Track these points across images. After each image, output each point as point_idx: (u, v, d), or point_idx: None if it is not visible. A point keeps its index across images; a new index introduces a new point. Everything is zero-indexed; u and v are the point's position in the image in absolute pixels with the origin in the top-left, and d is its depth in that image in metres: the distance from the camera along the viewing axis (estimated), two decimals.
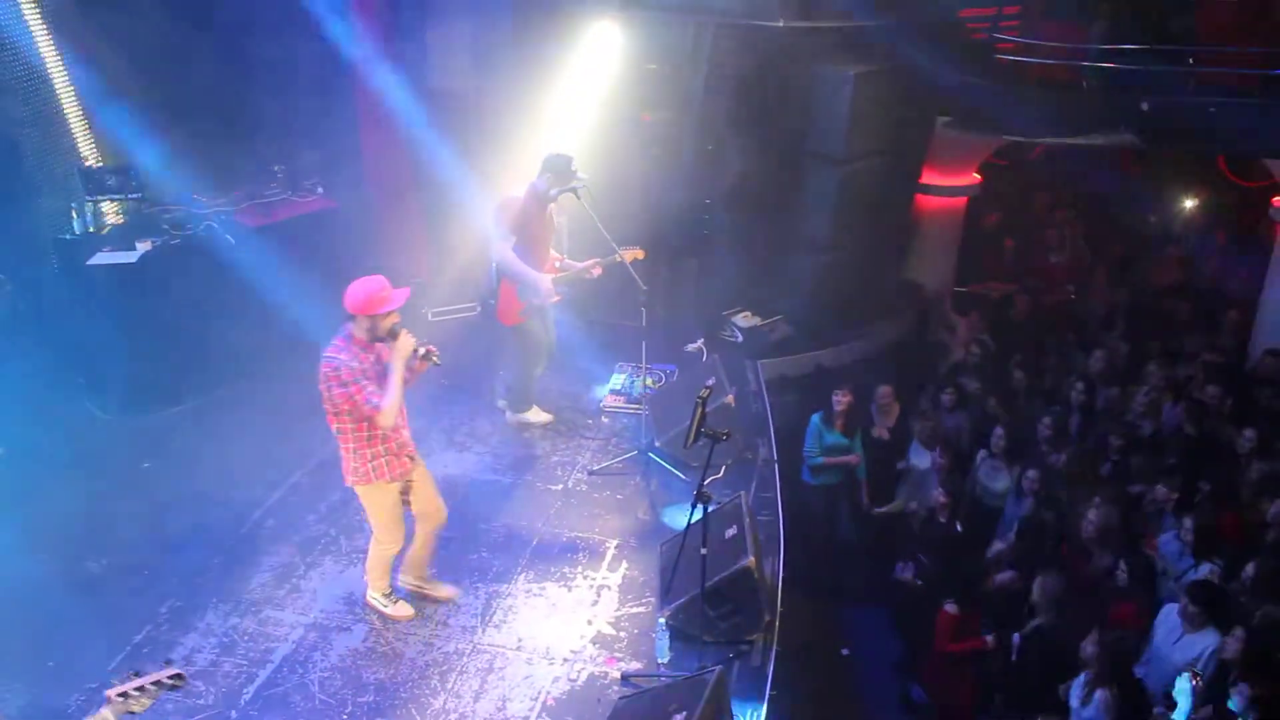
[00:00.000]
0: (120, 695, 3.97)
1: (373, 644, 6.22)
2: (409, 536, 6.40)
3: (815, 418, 9.15)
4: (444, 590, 6.64)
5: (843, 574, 9.49)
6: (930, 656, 8.00)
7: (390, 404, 5.73)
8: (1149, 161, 14.21)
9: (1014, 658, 7.40)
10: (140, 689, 3.99)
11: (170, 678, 4.04)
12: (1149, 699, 6.63)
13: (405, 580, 6.57)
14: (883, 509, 9.42)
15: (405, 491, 6.20)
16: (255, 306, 8.78)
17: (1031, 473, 8.32)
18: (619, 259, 7.87)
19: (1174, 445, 8.76)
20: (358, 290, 5.70)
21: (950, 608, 7.74)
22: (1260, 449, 8.46)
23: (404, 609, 6.46)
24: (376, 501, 6.11)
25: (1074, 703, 6.61)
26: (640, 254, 8.12)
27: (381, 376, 5.80)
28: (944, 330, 11.64)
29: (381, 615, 6.43)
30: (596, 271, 8.14)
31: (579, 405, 9.07)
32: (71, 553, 6.88)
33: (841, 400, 9.01)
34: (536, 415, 8.76)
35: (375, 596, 6.46)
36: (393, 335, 5.79)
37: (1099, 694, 6.44)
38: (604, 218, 7.80)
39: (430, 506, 6.33)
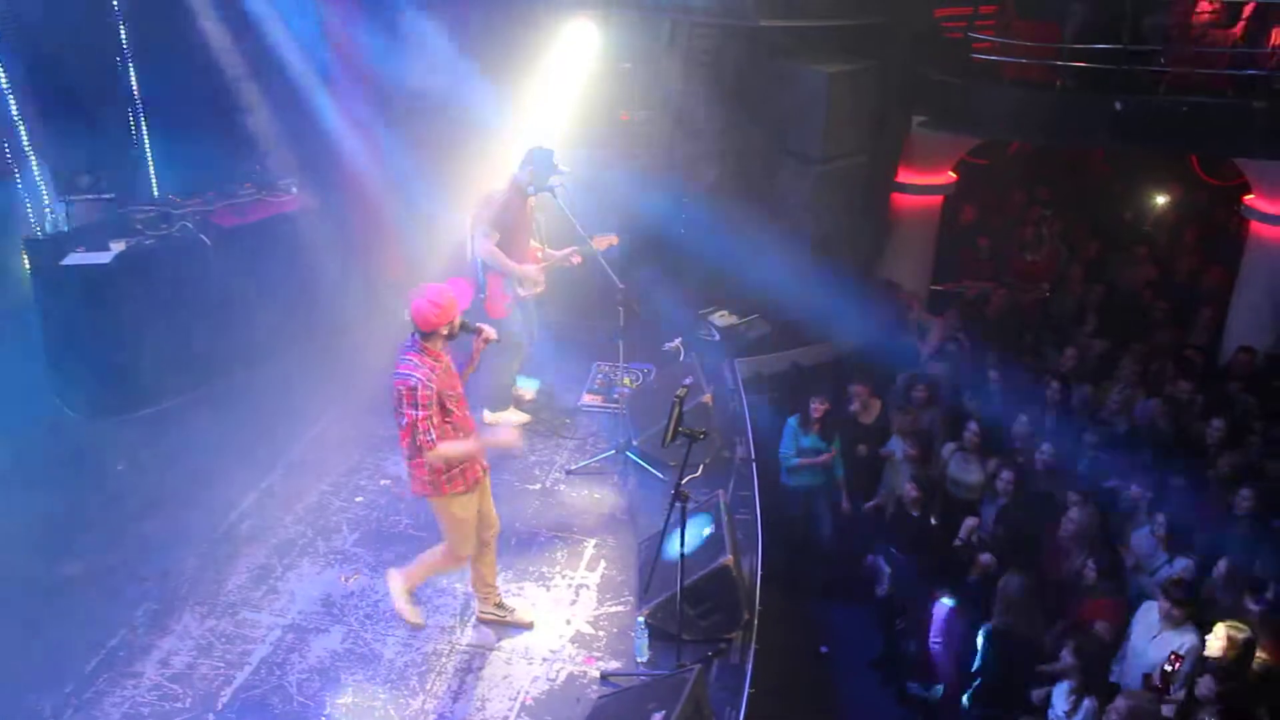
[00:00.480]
0: None
1: (351, 645, 6.20)
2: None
3: (791, 420, 9.17)
4: (524, 615, 6.47)
5: (821, 573, 9.52)
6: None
7: (448, 450, 5.63)
8: (1122, 160, 14.31)
9: (978, 655, 7.47)
10: None
11: None
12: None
13: (484, 612, 6.43)
14: (871, 503, 9.41)
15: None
16: (230, 307, 8.75)
17: (1006, 474, 8.36)
18: (594, 246, 7.91)
19: (1148, 442, 8.82)
20: (428, 308, 5.54)
21: (946, 599, 7.82)
22: (1229, 441, 8.54)
23: (417, 616, 6.30)
24: (452, 513, 5.92)
25: (1059, 711, 6.65)
26: (614, 240, 8.19)
27: (449, 380, 5.73)
28: (916, 329, 11.67)
29: (401, 617, 6.22)
30: (576, 260, 8.18)
31: (556, 404, 9.05)
32: (46, 556, 6.84)
33: (818, 408, 9.03)
34: (515, 415, 8.72)
35: (400, 598, 6.18)
36: (466, 330, 5.78)
37: (1086, 702, 6.49)
38: (581, 215, 7.81)
39: (486, 519, 6.21)
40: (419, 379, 5.48)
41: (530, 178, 7.82)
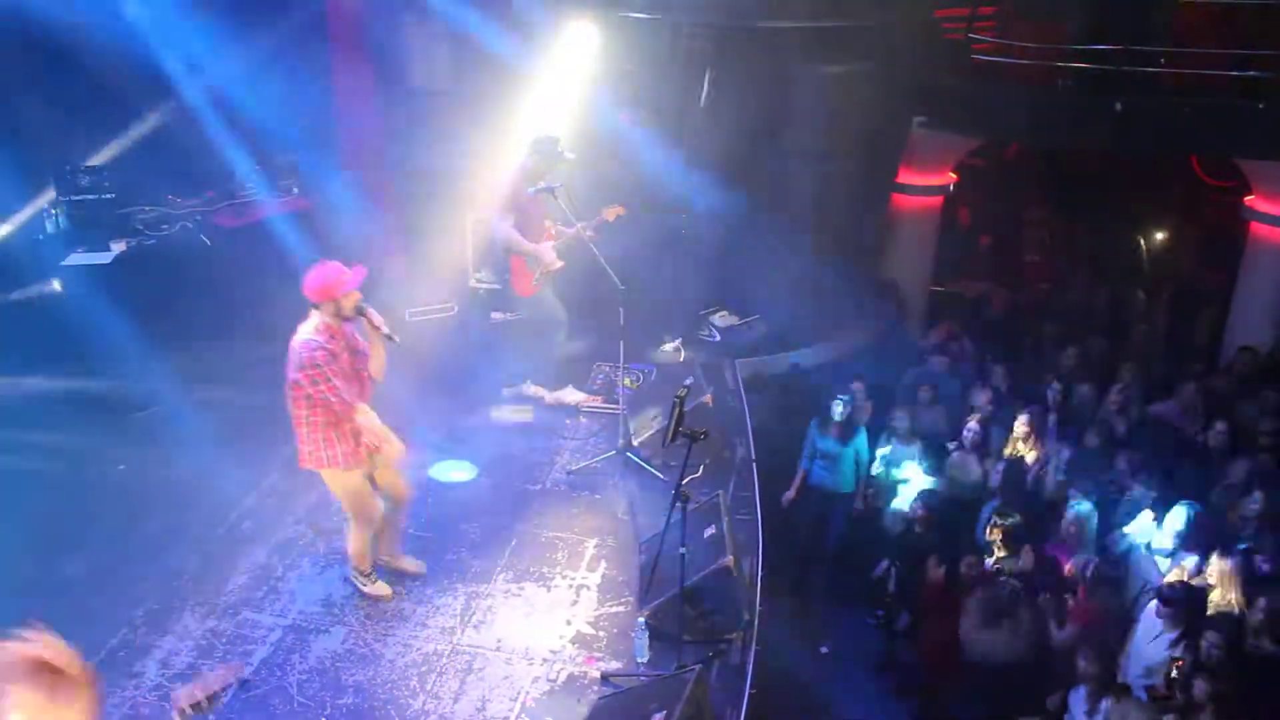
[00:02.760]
0: (192, 707, 4.02)
1: (351, 645, 6.19)
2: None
3: (814, 422, 9.15)
4: (410, 563, 6.79)
5: (828, 576, 9.52)
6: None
7: (363, 417, 6.00)
8: (1122, 161, 14.32)
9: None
10: (210, 697, 4.06)
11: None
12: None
13: (380, 557, 6.70)
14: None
15: (370, 471, 6.33)
16: (229, 307, 8.74)
17: (1000, 465, 8.37)
18: (604, 218, 8.35)
19: (1148, 443, 8.82)
20: (315, 278, 5.90)
21: (937, 571, 7.87)
22: (1232, 444, 8.55)
23: (382, 588, 6.56)
24: (341, 485, 6.23)
25: (1077, 715, 6.65)
26: (620, 210, 8.51)
27: (354, 356, 6.05)
28: (918, 333, 11.70)
29: (362, 594, 6.53)
30: (590, 234, 8.31)
31: (556, 405, 9.04)
32: (46, 555, 6.82)
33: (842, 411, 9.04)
34: (572, 395, 8.92)
35: (356, 575, 6.56)
36: (359, 312, 5.96)
37: (1104, 704, 6.48)
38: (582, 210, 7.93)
39: (394, 487, 6.49)
40: (312, 344, 5.84)
41: (535, 164, 8.07)
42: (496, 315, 8.98)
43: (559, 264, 8.47)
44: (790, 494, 9.24)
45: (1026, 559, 7.64)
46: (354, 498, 6.27)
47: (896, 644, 8.66)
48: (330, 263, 5.98)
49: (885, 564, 8.62)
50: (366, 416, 6.02)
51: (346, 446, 6.07)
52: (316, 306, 5.93)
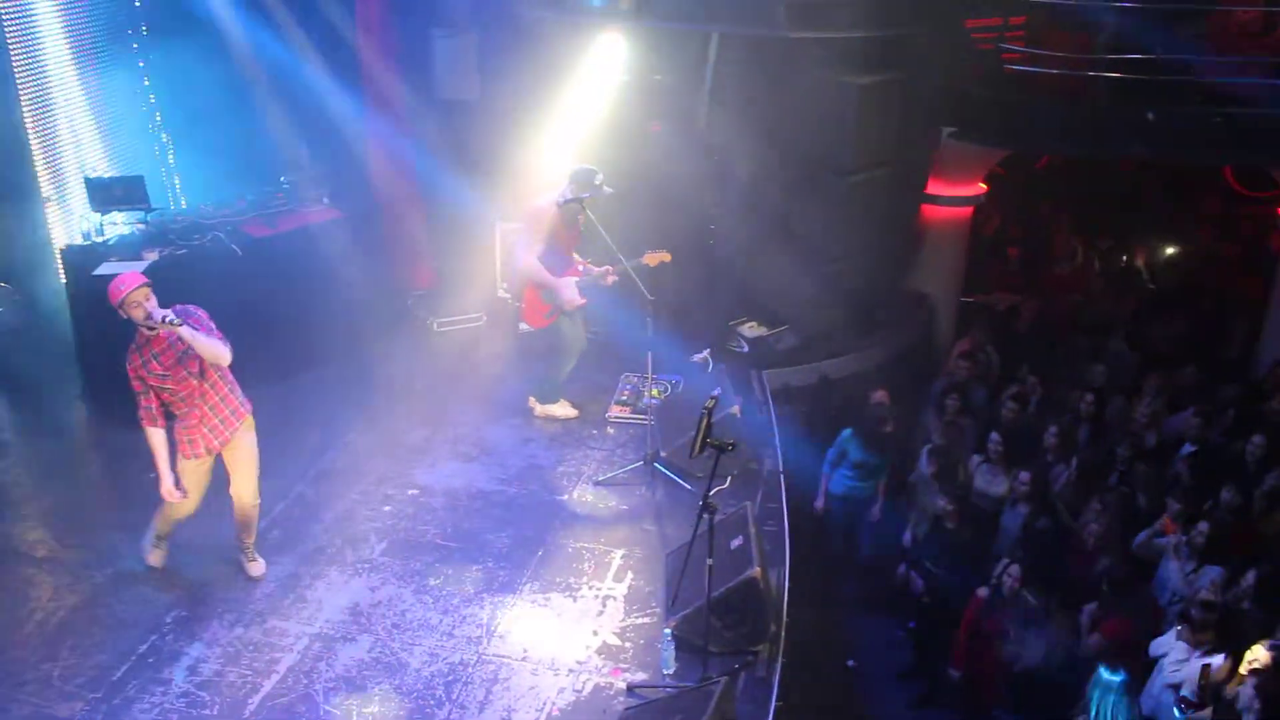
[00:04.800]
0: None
1: (378, 654, 6.20)
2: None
3: (847, 432, 9.13)
4: (254, 567, 6.90)
5: (858, 585, 9.49)
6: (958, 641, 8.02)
7: (149, 434, 6.30)
8: (1155, 170, 14.21)
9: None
10: None
11: None
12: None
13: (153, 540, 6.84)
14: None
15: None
16: (260, 317, 8.79)
17: (1024, 475, 8.32)
18: (646, 263, 8.20)
19: (1179, 456, 8.74)
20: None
21: (981, 591, 7.80)
22: (1268, 457, 8.45)
23: (156, 559, 6.82)
24: (181, 471, 6.47)
25: None
26: (666, 257, 8.37)
27: (181, 360, 6.21)
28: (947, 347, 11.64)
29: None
30: (611, 279, 8.34)
31: (584, 416, 9.04)
32: (77, 562, 6.89)
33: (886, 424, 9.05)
34: (563, 409, 8.87)
35: (148, 537, 6.82)
36: (148, 323, 6.06)
37: None
38: (612, 227, 7.87)
39: (239, 489, 6.71)
40: (128, 351, 6.16)
41: (573, 195, 7.96)
42: (524, 326, 8.97)
43: (581, 301, 8.34)
44: (820, 502, 9.23)
45: None
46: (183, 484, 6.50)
47: (927, 654, 8.60)
48: (127, 272, 6.25)
49: (905, 567, 8.57)
50: (151, 436, 6.29)
51: (183, 438, 6.39)
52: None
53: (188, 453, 6.41)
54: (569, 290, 8.24)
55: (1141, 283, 13.33)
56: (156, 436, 6.28)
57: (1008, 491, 8.63)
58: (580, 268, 8.39)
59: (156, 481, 6.39)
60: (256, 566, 6.88)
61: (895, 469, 9.42)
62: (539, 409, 8.87)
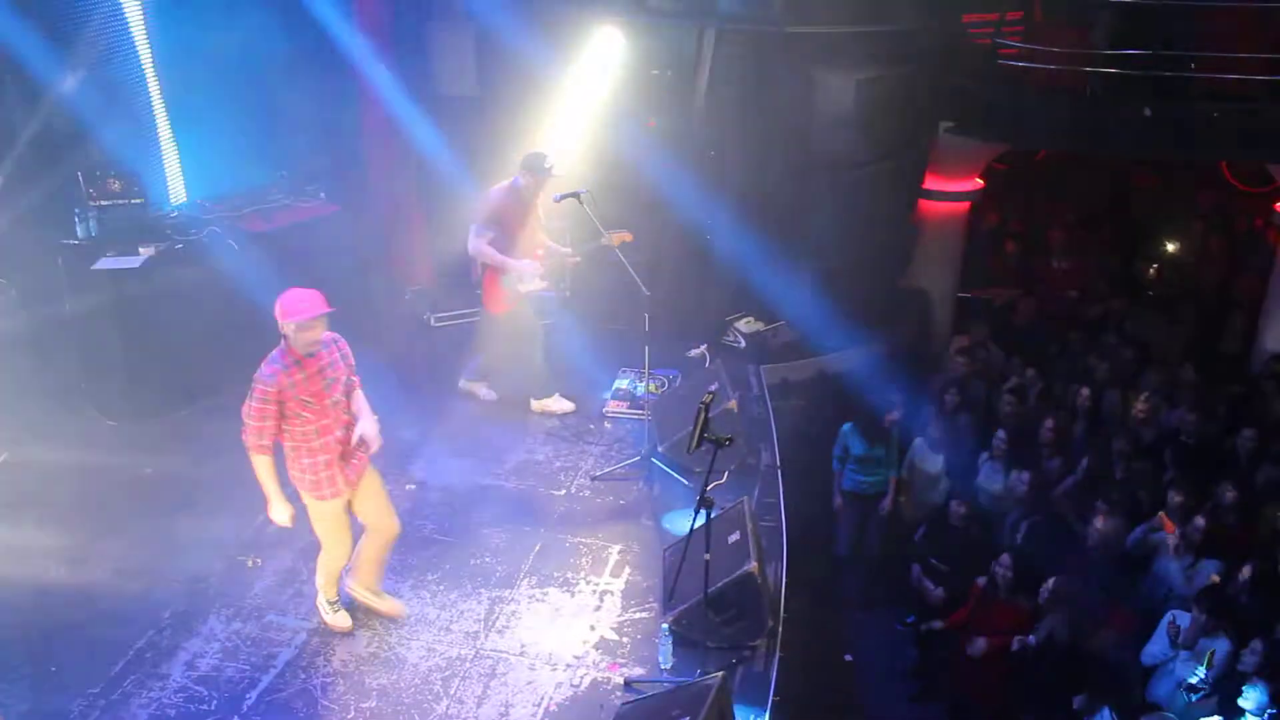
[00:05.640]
0: None
1: (375, 649, 6.21)
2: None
3: (846, 427, 9.15)
4: (390, 605, 6.47)
5: (863, 582, 9.51)
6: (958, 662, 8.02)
7: (251, 440, 5.77)
8: (1151, 166, 14.21)
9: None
10: None
11: None
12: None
13: (354, 588, 6.40)
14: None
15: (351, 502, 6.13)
16: (258, 311, 8.76)
17: (1024, 475, 8.34)
18: (605, 243, 8.09)
19: (1175, 451, 8.76)
20: (280, 298, 5.74)
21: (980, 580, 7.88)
22: (1260, 452, 8.48)
23: (343, 620, 6.34)
24: (317, 513, 6.05)
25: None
26: (628, 236, 8.29)
27: (336, 385, 5.87)
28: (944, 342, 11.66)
29: (323, 624, 6.35)
30: (573, 260, 8.42)
31: (582, 411, 9.05)
32: (74, 557, 6.88)
33: (890, 418, 9.10)
34: (559, 404, 8.86)
35: (321, 602, 6.37)
36: (314, 348, 5.77)
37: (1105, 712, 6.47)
38: (607, 221, 7.90)
39: (380, 520, 6.25)
40: (261, 370, 5.67)
41: (525, 180, 8.02)
42: (485, 313, 8.93)
43: (540, 284, 8.34)
44: (837, 499, 9.29)
45: None
46: (324, 525, 6.08)
47: (928, 648, 8.61)
48: (302, 289, 5.77)
49: (918, 570, 8.58)
50: (257, 466, 5.82)
51: (316, 476, 5.89)
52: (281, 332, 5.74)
53: (325, 493, 5.93)
54: (528, 271, 8.21)
55: (1139, 276, 13.33)
56: (265, 464, 5.79)
57: (1007, 487, 8.66)
58: (540, 251, 8.35)
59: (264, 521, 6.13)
60: (391, 602, 6.52)
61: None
62: (534, 404, 8.87)
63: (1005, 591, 7.74)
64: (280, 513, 5.93)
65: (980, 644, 7.65)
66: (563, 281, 9.99)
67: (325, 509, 6.01)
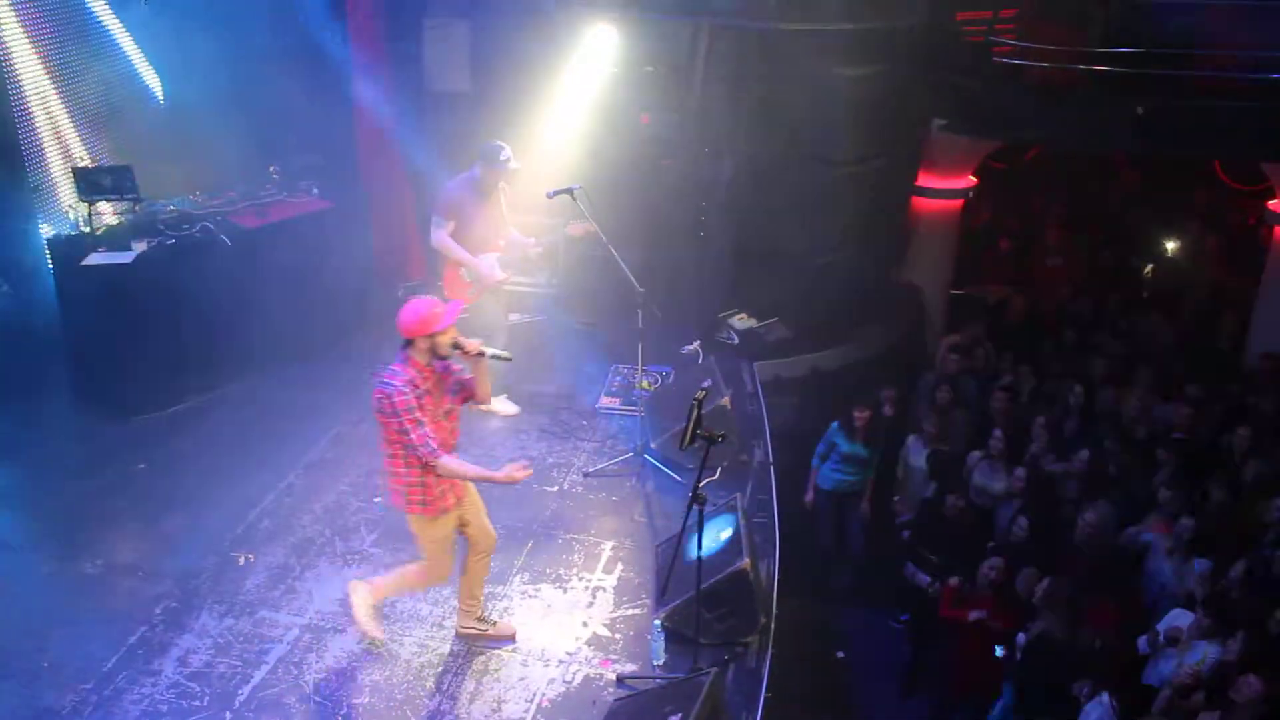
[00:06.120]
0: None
1: (368, 645, 6.20)
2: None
3: (834, 425, 9.17)
4: (503, 627, 6.33)
5: (849, 578, 9.52)
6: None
7: (456, 467, 5.62)
8: (1144, 164, 14.24)
9: (1019, 658, 7.43)
10: None
11: None
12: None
13: (466, 627, 6.26)
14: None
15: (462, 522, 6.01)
16: (250, 307, 8.77)
17: (1019, 471, 8.35)
18: (569, 234, 8.24)
19: (1168, 447, 8.78)
20: (410, 313, 5.55)
21: (953, 580, 7.90)
22: (1255, 449, 8.50)
23: (379, 631, 6.15)
24: (429, 532, 5.87)
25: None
26: (591, 228, 8.12)
27: (446, 395, 5.72)
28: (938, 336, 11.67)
29: (362, 631, 6.11)
30: (535, 250, 8.34)
31: (574, 407, 9.05)
32: (66, 553, 6.87)
33: (860, 416, 9.04)
34: (504, 406, 8.69)
35: (363, 611, 6.07)
36: (458, 349, 5.64)
37: (1103, 697, 6.47)
38: (601, 218, 7.87)
39: (484, 532, 6.13)
40: (394, 386, 5.47)
41: (481, 171, 7.97)
42: (514, 316, 8.96)
43: (501, 277, 8.27)
44: (809, 495, 9.29)
45: None
46: (435, 547, 5.91)
47: (920, 646, 8.63)
48: (423, 298, 5.64)
49: (911, 567, 8.60)
50: (454, 465, 5.63)
51: (432, 494, 5.73)
52: (409, 344, 5.60)
53: (436, 510, 5.75)
54: (486, 265, 8.16)
55: (1132, 272, 13.35)
56: (457, 460, 5.66)
57: (1007, 489, 8.66)
58: (502, 242, 8.30)
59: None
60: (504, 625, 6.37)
61: (885, 461, 9.48)
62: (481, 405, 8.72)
63: (992, 591, 7.77)
64: (514, 471, 5.70)
65: (977, 613, 7.66)
66: (553, 277, 10.00)
67: (437, 528, 5.84)
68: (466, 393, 5.84)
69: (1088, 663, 6.86)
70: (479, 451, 8.31)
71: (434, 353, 5.61)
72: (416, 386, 5.54)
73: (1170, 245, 13.52)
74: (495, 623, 6.31)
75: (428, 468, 5.60)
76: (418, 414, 5.50)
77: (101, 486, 7.65)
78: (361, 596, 6.08)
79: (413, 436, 5.49)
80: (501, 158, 7.92)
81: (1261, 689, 5.95)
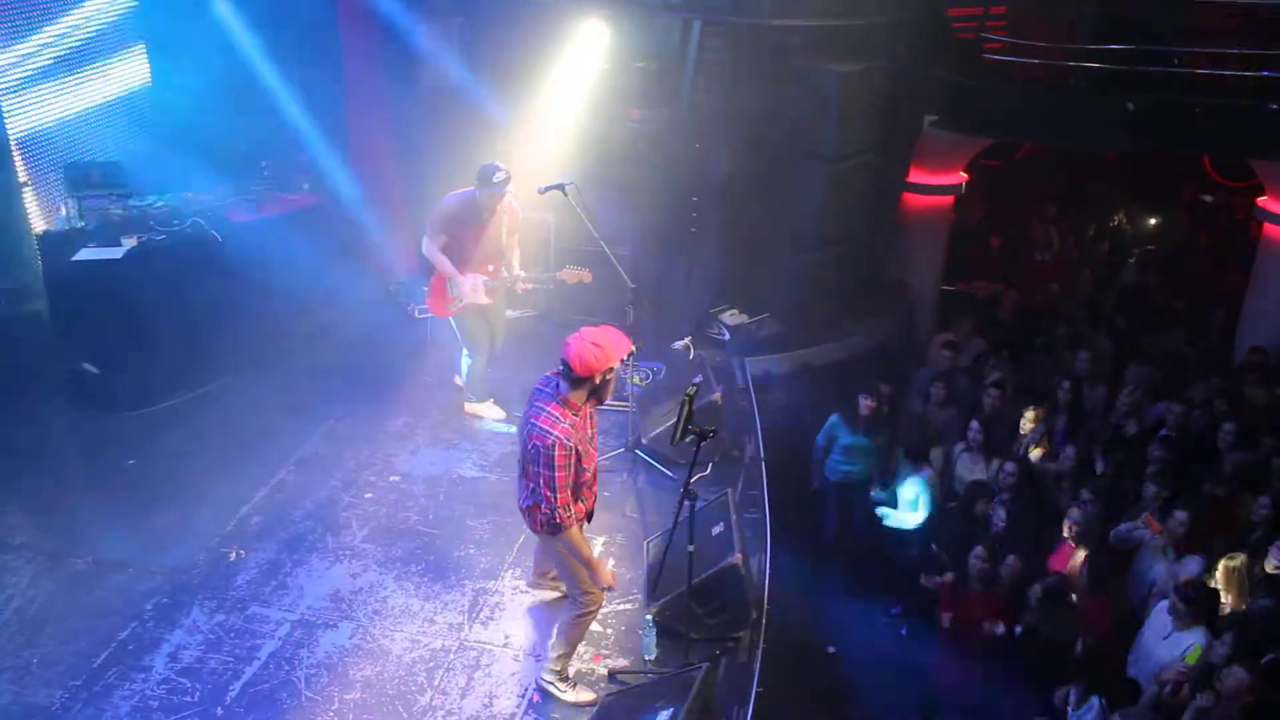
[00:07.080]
0: None
1: (359, 641, 6.20)
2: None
3: (834, 418, 9.18)
4: (585, 695, 5.88)
5: (847, 570, 9.53)
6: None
7: (573, 536, 5.41)
8: (1134, 161, 14.28)
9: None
10: None
11: None
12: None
13: (546, 677, 5.84)
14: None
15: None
16: (240, 303, 8.76)
17: (1009, 466, 8.37)
18: (562, 278, 8.17)
19: (1159, 443, 8.80)
20: (586, 346, 5.16)
21: (948, 575, 7.97)
22: (1240, 443, 8.53)
23: (584, 693, 5.82)
24: (573, 545, 5.52)
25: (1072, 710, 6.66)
26: (585, 276, 8.18)
27: (584, 430, 5.40)
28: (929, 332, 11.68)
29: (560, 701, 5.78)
30: (522, 288, 8.40)
31: None
32: (56, 549, 6.86)
33: (868, 405, 9.04)
34: (490, 410, 8.73)
35: (552, 679, 5.78)
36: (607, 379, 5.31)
37: (1094, 700, 6.50)
38: (592, 215, 7.88)
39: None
40: (557, 436, 5.13)
41: (477, 190, 7.84)
42: (510, 313, 8.95)
43: (484, 300, 8.19)
44: (816, 482, 9.32)
45: None
46: (584, 553, 5.56)
47: (914, 638, 8.66)
48: (592, 329, 5.24)
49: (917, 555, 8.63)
50: (576, 537, 5.42)
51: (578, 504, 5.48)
52: (576, 384, 5.23)
53: (572, 519, 5.46)
54: (468, 284, 8.07)
55: (1121, 268, 13.38)
56: (579, 533, 5.41)
57: (988, 476, 8.70)
58: (491, 267, 8.17)
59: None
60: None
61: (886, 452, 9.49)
62: (467, 406, 8.75)
63: (982, 583, 7.80)
64: (610, 577, 5.62)
65: (1001, 626, 7.68)
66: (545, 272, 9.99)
67: (569, 537, 5.49)
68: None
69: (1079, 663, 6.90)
70: (471, 447, 8.34)
71: (599, 393, 5.35)
72: (574, 433, 5.23)
73: (1160, 241, 13.56)
74: (576, 685, 5.85)
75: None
76: (570, 472, 5.22)
77: (91, 482, 7.64)
78: (556, 681, 5.78)
79: (555, 496, 5.22)
80: (495, 180, 7.71)
81: (1247, 680, 5.97)
